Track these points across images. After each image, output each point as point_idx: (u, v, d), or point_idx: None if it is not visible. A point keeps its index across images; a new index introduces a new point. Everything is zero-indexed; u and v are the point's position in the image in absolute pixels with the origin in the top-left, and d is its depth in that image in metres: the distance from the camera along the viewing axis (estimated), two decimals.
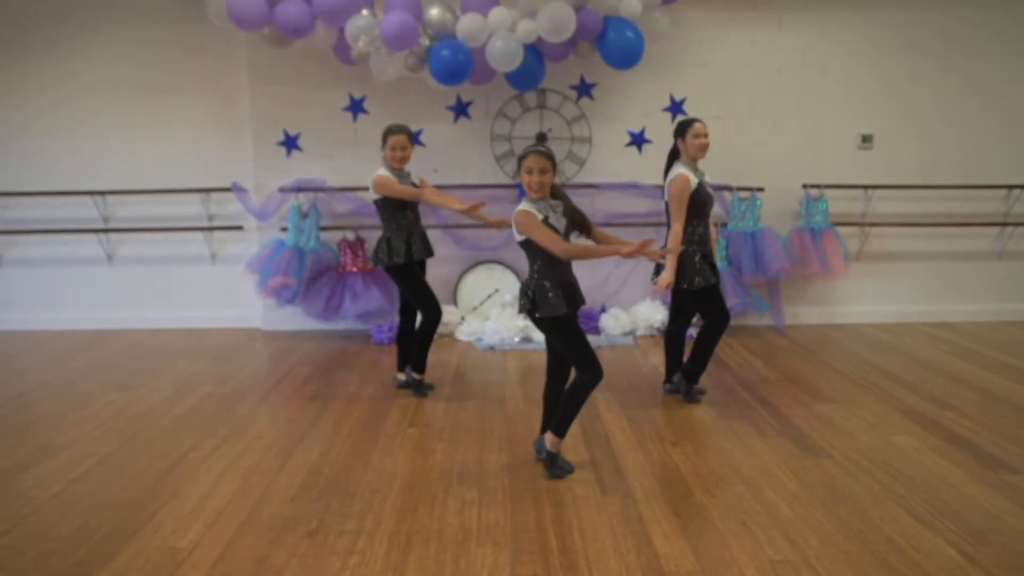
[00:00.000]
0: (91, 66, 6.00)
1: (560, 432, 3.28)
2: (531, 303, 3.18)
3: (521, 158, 3.14)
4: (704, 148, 4.01)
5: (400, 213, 4.26)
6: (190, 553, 2.69)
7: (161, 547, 2.73)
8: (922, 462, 3.42)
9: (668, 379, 4.44)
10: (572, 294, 3.22)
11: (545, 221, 3.11)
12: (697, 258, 4.02)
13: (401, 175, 4.24)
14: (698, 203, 4.01)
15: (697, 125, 4.00)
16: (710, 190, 4.07)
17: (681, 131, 4.04)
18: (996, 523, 2.85)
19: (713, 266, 4.10)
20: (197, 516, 2.96)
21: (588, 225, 3.28)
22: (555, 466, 3.30)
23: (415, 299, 4.37)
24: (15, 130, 6.10)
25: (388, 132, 4.20)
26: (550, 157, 3.13)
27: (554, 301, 3.13)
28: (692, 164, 4.04)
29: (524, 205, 3.14)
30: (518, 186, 5.96)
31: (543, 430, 3.45)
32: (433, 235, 5.95)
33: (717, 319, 4.13)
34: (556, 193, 3.23)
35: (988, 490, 3.13)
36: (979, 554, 2.63)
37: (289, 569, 2.58)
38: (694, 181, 3.99)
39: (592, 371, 3.17)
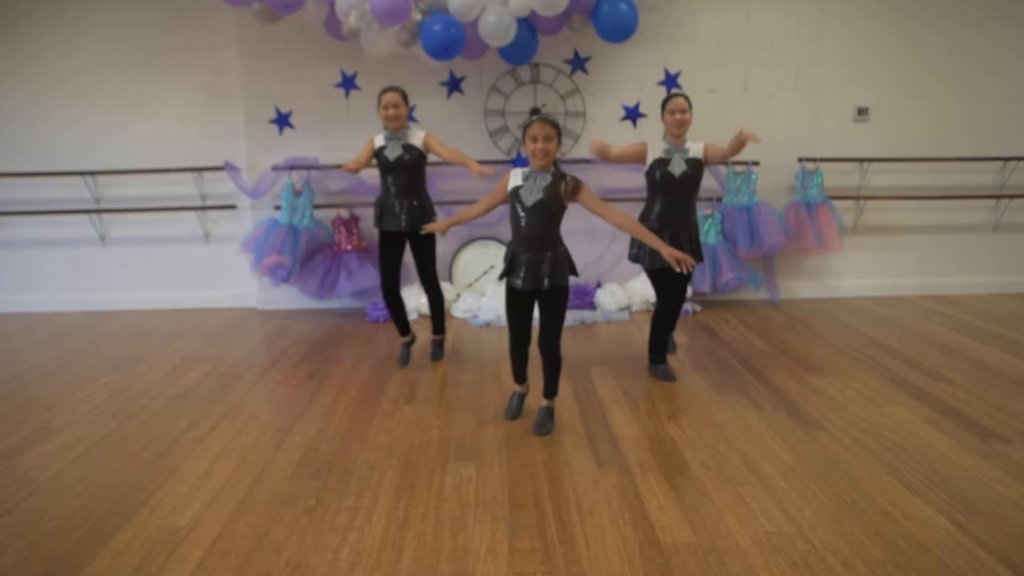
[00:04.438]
0: (78, 45, 5.92)
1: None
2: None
3: (526, 126, 3.15)
4: (679, 124, 3.92)
5: (383, 179, 4.28)
6: (189, 531, 2.70)
7: (160, 526, 2.74)
8: (915, 433, 3.45)
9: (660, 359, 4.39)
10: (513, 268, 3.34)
11: (516, 190, 3.24)
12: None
13: (396, 136, 4.21)
14: (651, 179, 3.99)
15: (675, 100, 3.93)
16: (676, 171, 3.91)
17: (662, 105, 4.02)
18: (987, 492, 2.89)
19: (684, 243, 3.98)
20: (195, 495, 2.98)
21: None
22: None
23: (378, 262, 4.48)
24: (2, 111, 6.02)
25: (381, 92, 4.21)
26: (555, 125, 3.13)
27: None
28: (674, 142, 3.98)
29: (518, 169, 3.31)
30: (512, 161, 5.94)
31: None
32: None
33: (664, 302, 4.13)
34: (557, 171, 3.23)
35: (980, 460, 3.16)
36: (970, 523, 2.66)
37: (288, 546, 2.60)
38: (654, 154, 3.98)
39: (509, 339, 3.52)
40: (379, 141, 4.25)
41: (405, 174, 4.22)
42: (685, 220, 4.00)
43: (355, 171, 4.07)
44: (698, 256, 4.07)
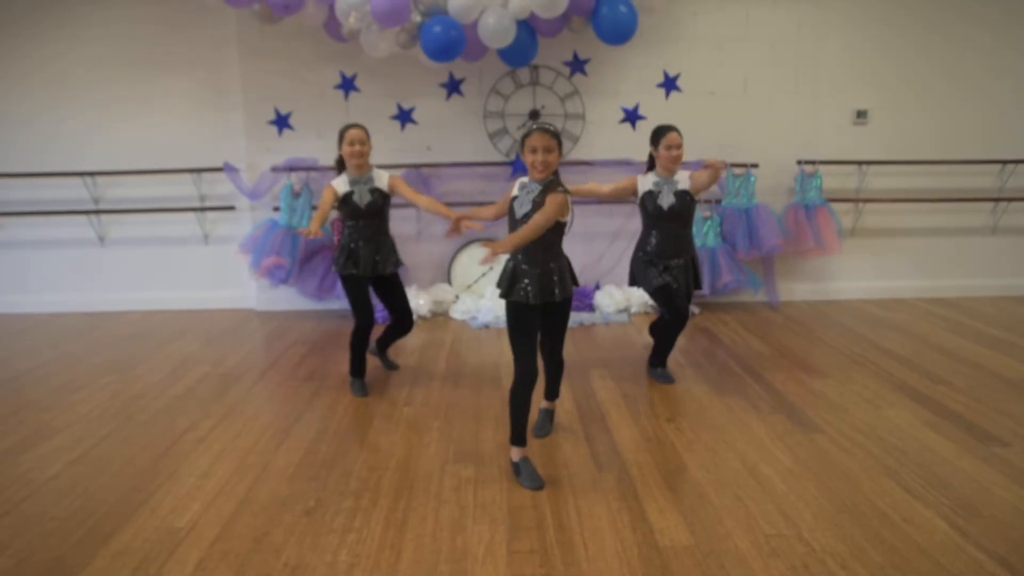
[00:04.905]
0: (78, 45, 5.92)
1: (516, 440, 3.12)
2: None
3: (525, 135, 2.94)
4: (675, 160, 3.91)
5: (347, 223, 4.02)
6: (189, 532, 2.70)
7: (160, 527, 2.74)
8: (915, 436, 3.45)
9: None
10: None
11: (512, 200, 3.06)
12: (643, 266, 4.05)
13: (361, 180, 3.96)
14: (644, 211, 4.03)
15: (671, 135, 3.91)
16: (664, 203, 3.93)
17: (655, 139, 3.97)
18: (986, 495, 2.89)
19: (678, 271, 4.01)
20: (195, 496, 2.98)
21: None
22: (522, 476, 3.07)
23: (351, 305, 4.13)
24: (1, 111, 6.02)
25: (345, 128, 3.95)
26: (556, 135, 2.92)
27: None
28: (664, 175, 3.98)
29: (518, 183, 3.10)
30: (511, 164, 5.95)
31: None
32: (427, 213, 5.98)
33: (671, 316, 4.10)
34: (555, 179, 3.00)
35: (979, 463, 3.16)
36: (969, 526, 2.66)
37: (287, 547, 2.60)
38: (644, 187, 4.00)
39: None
40: (342, 187, 3.94)
41: (377, 217, 4.02)
42: (679, 249, 4.01)
43: (317, 234, 3.79)
44: (695, 284, 4.11)
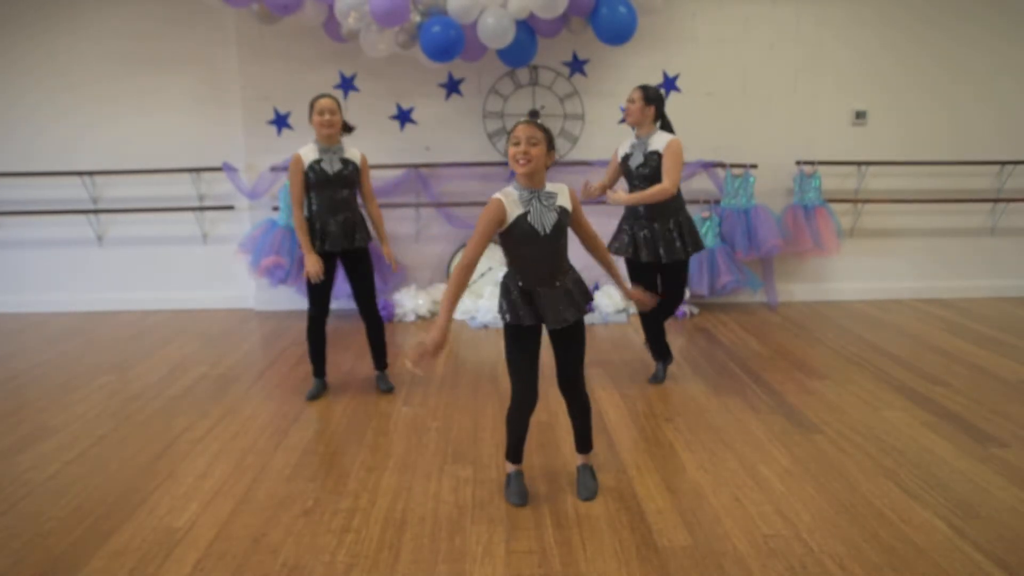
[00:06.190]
0: (77, 44, 5.92)
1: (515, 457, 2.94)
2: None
3: (509, 132, 2.66)
4: (629, 114, 3.96)
5: (314, 196, 3.83)
6: (186, 532, 2.70)
7: (157, 527, 2.74)
8: (913, 437, 3.45)
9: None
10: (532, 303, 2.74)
11: (524, 216, 2.65)
12: (616, 230, 4.07)
13: (331, 149, 3.82)
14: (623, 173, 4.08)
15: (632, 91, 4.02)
16: (633, 164, 3.94)
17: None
18: (984, 496, 2.89)
19: (644, 239, 3.95)
20: (193, 496, 2.97)
21: (596, 245, 2.93)
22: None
23: (307, 290, 3.98)
24: None
25: (315, 99, 3.79)
26: (543, 129, 2.64)
27: (509, 306, 2.75)
28: (640, 135, 3.95)
29: (503, 192, 2.68)
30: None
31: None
32: (426, 213, 6.02)
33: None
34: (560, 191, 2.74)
35: (977, 464, 3.16)
36: (967, 527, 2.66)
37: (285, 547, 2.60)
38: (623, 151, 4.03)
39: (514, 395, 2.80)
40: (309, 155, 3.78)
41: (347, 188, 3.87)
42: (650, 213, 3.89)
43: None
44: (683, 250, 3.89)
